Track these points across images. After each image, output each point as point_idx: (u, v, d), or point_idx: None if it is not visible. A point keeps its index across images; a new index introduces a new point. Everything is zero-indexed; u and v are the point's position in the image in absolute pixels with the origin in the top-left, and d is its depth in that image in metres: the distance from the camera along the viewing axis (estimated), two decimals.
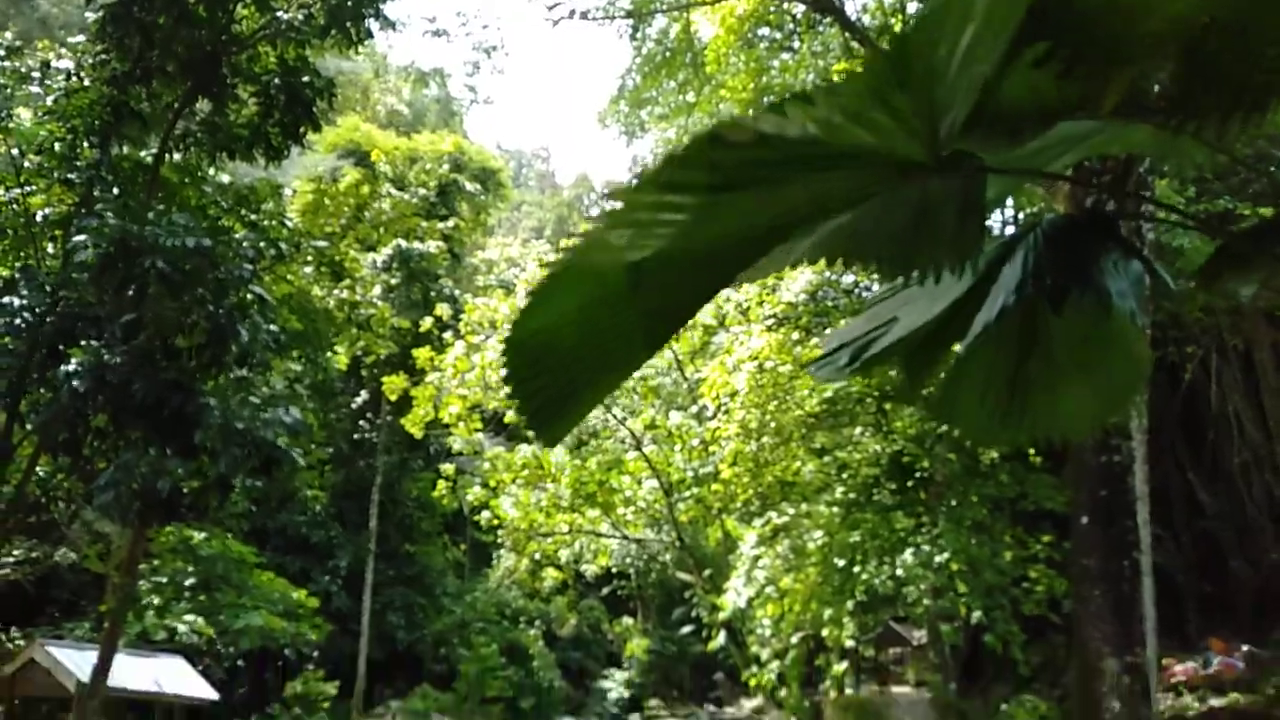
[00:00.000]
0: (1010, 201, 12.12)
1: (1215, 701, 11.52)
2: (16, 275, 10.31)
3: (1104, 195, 6.30)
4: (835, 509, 14.06)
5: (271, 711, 16.83)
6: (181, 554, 14.96)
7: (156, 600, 14.56)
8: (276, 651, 19.16)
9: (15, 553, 17.31)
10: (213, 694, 14.25)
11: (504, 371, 1.53)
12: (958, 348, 1.76)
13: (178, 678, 13.89)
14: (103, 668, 10.42)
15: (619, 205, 1.24)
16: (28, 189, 10.75)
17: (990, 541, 11.31)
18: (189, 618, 15.81)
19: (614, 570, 35.81)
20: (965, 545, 11.02)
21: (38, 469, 10.59)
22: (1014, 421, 1.90)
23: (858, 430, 14.15)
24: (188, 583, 16.06)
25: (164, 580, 14.97)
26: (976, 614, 10.85)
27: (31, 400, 10.02)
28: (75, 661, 11.63)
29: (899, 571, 12.04)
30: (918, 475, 13.12)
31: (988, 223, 1.64)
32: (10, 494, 10.37)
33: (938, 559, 11.30)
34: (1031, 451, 11.93)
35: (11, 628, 16.33)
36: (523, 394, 1.58)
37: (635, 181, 1.23)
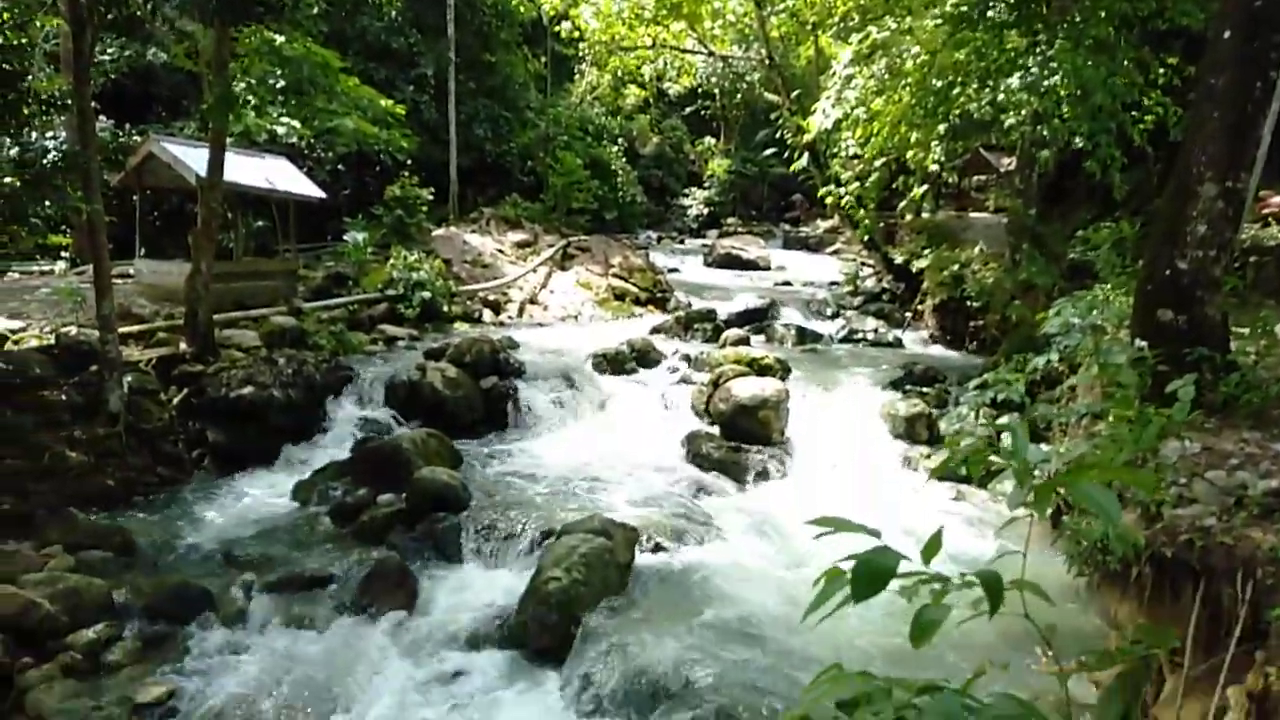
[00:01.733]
0: None
1: None
2: None
3: None
4: (942, 25, 12.92)
5: (375, 211, 18.19)
6: (267, 56, 15.00)
7: (253, 100, 15.00)
8: (373, 157, 20.12)
9: (109, 50, 17.60)
10: (320, 193, 15.32)
11: None
12: None
13: (286, 177, 14.85)
14: (216, 162, 11.12)
15: None
16: None
17: (1109, 62, 10.41)
18: (286, 120, 16.43)
19: (698, 89, 35.11)
20: (1080, 66, 10.19)
21: None
22: None
23: None
24: (279, 85, 16.37)
25: (255, 81, 15.23)
26: (1078, 140, 10.43)
27: None
28: (191, 157, 12.39)
29: (1000, 96, 11.39)
30: None
31: None
32: None
33: (1046, 82, 10.57)
34: None
35: (126, 124, 17.30)
36: None
37: None
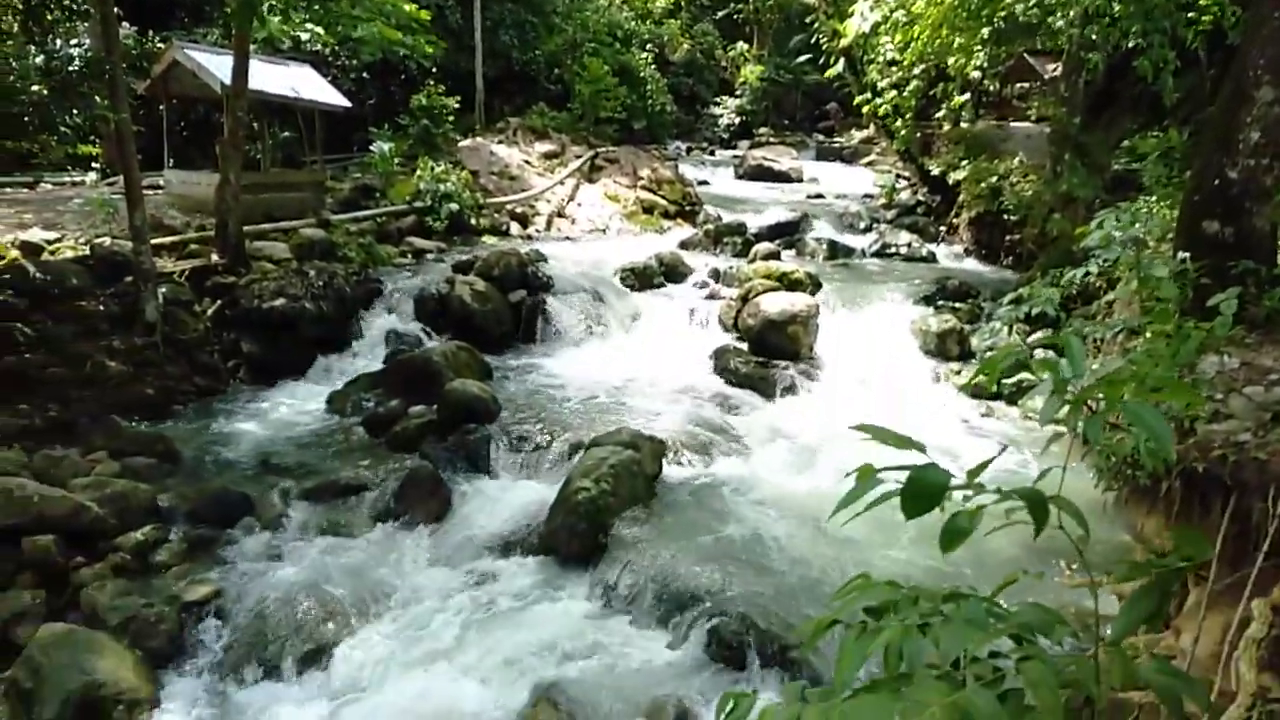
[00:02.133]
0: None
1: None
2: None
3: None
4: None
5: (401, 121, 17.95)
6: None
7: (276, 4, 14.69)
8: (398, 65, 19.74)
9: None
10: (345, 102, 15.11)
11: None
12: None
13: (311, 85, 14.64)
14: (240, 69, 10.98)
15: None
16: None
17: None
18: (310, 26, 16.10)
19: None
20: None
21: None
22: None
23: None
24: None
25: None
26: (1129, 41, 9.95)
27: None
28: (215, 65, 12.23)
29: None
30: None
31: None
32: None
33: None
34: None
35: (149, 30, 17.06)
36: None
37: None
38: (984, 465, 1.39)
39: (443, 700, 5.14)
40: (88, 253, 9.85)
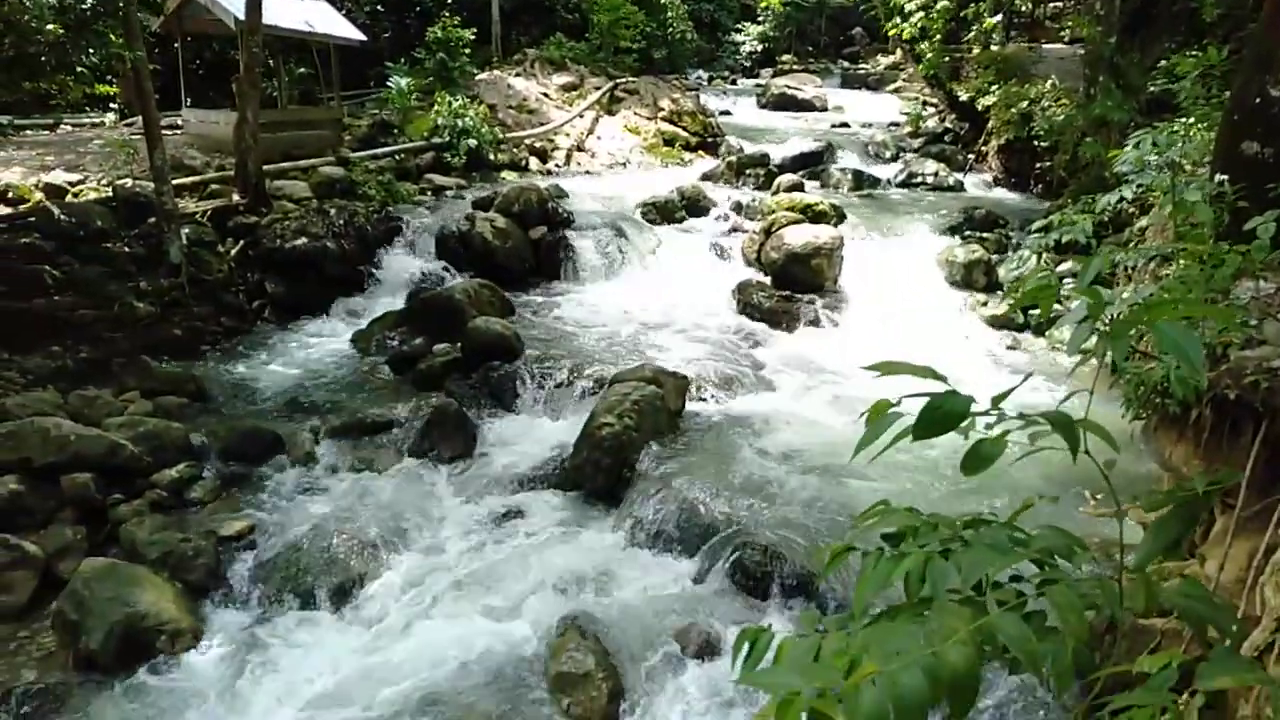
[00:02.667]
0: None
1: None
2: None
3: None
4: None
5: (417, 55, 17.67)
6: None
7: None
8: None
9: None
10: (360, 35, 14.88)
11: None
12: None
13: (326, 19, 14.43)
14: (254, 4, 10.80)
15: None
16: None
17: None
18: None
19: None
20: None
21: None
22: None
23: None
24: None
25: None
26: None
27: None
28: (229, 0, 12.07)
29: None
30: None
31: None
32: None
33: None
34: None
35: None
36: None
37: None
38: (1008, 392, 1.36)
39: (472, 629, 5.27)
40: (110, 194, 9.88)
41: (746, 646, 1.42)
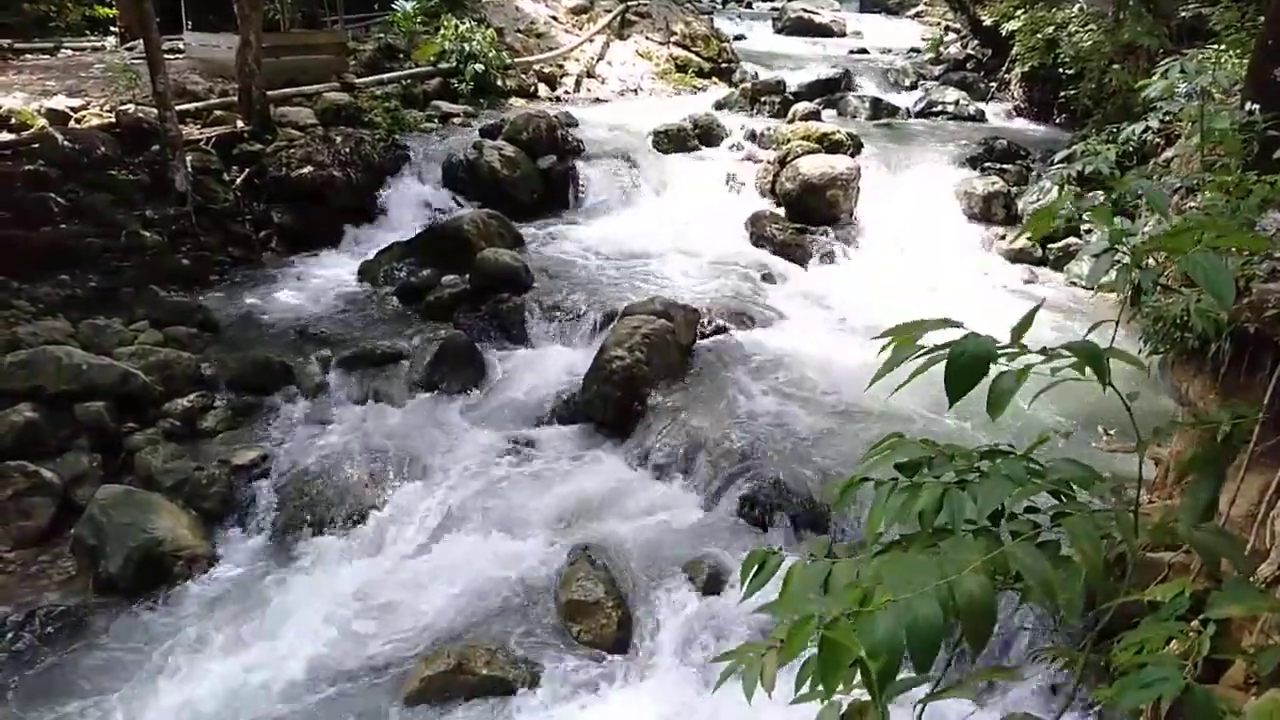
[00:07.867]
0: None
1: None
2: None
3: None
4: None
5: None
6: None
7: None
8: None
9: None
10: None
11: None
12: None
13: None
14: None
15: None
16: None
17: None
18: None
19: None
20: None
21: None
22: None
23: None
24: None
25: None
26: None
27: None
28: None
29: None
30: None
31: None
32: None
33: None
34: None
35: None
36: None
37: None
38: (1027, 319, 1.30)
39: (484, 557, 5.34)
40: (113, 120, 9.73)
41: (755, 567, 1.40)
